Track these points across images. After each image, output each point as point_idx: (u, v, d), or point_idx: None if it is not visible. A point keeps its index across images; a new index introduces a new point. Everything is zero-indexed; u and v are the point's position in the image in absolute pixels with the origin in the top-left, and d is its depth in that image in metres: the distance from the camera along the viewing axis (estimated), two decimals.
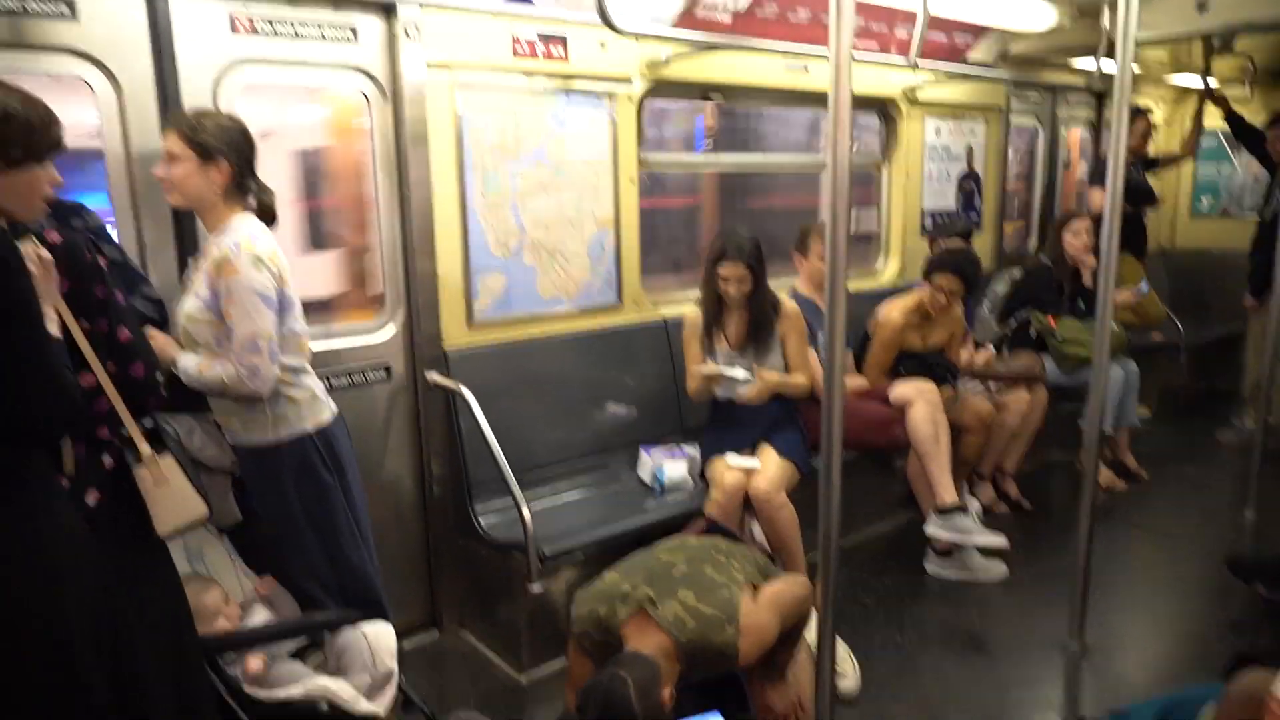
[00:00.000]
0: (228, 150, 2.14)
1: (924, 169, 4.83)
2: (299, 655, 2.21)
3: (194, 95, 2.49)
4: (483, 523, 3.02)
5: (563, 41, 3.21)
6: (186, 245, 2.53)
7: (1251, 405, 5.09)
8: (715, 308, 3.21)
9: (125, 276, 2.15)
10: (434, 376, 3.03)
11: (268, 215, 2.27)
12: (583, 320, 3.47)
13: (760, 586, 2.31)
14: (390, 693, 2.21)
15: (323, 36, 2.72)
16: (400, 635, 2.38)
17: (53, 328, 1.61)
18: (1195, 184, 6.80)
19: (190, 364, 2.15)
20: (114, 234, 2.33)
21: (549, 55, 3.18)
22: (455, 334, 3.12)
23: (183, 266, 2.52)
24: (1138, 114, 5.08)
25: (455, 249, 3.08)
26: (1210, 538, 3.87)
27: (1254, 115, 5.52)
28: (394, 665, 2.25)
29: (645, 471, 3.37)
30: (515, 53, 3.11)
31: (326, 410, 2.35)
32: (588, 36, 3.24)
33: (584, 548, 2.91)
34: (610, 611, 2.15)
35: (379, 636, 2.29)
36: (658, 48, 3.44)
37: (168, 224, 2.51)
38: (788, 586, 2.33)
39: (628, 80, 3.44)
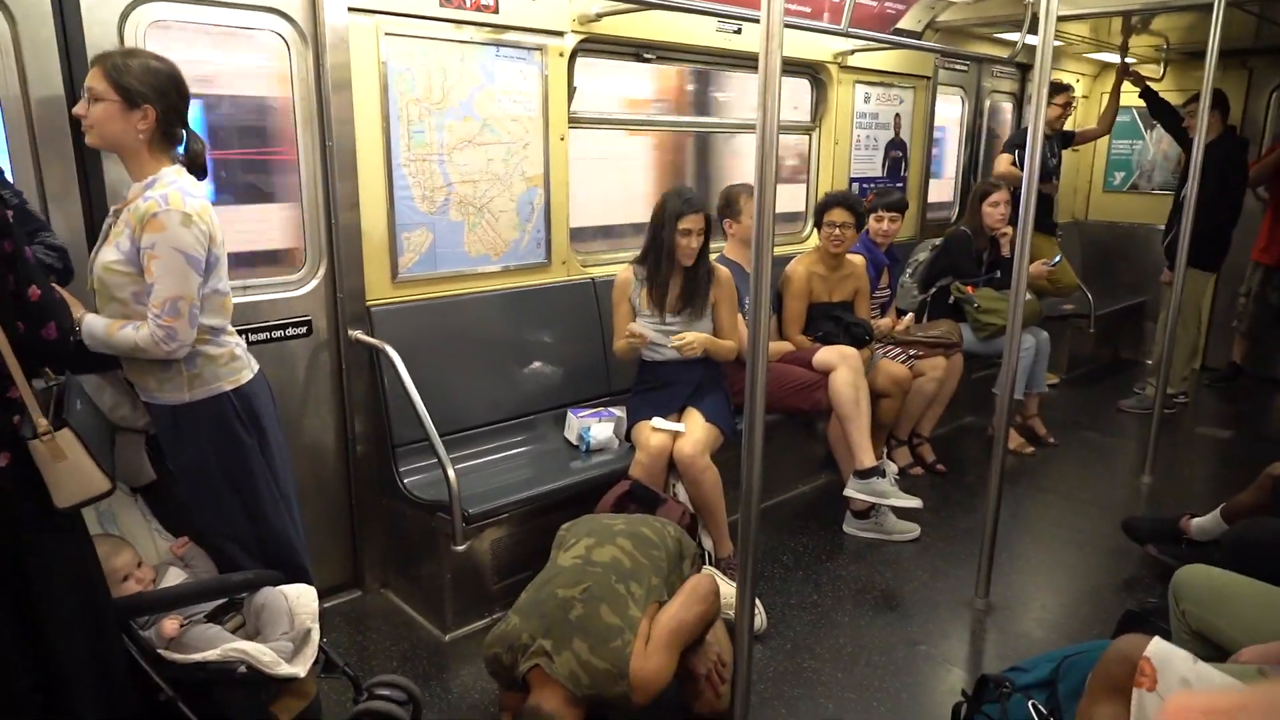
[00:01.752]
0: (154, 95, 2.02)
1: (852, 136, 4.89)
2: (216, 618, 2.16)
3: (97, 30, 2.35)
4: (406, 482, 2.99)
5: None
6: (94, 192, 2.41)
7: (1154, 375, 5.36)
8: (664, 266, 3.20)
9: (24, 222, 2.03)
10: (357, 334, 2.97)
11: (197, 167, 2.17)
12: (510, 279, 3.43)
13: (663, 607, 2.31)
14: (311, 654, 2.18)
15: None
16: (322, 595, 2.34)
17: None
18: (1109, 159, 7.05)
19: (98, 326, 2.05)
20: (9, 178, 2.20)
21: (478, 6, 3.09)
22: (379, 290, 3.06)
23: (89, 213, 2.40)
24: (1059, 89, 5.22)
25: (380, 203, 3.00)
26: (1110, 501, 4.08)
27: (1167, 93, 5.73)
28: (315, 626, 2.22)
29: (572, 432, 3.38)
30: (443, 1, 3.01)
31: (246, 369, 2.27)
32: None
33: (509, 507, 2.91)
34: (512, 659, 2.20)
35: (300, 597, 2.25)
36: (590, 2, 3.37)
37: (72, 169, 2.38)
38: (686, 611, 2.30)
39: (559, 34, 3.37)
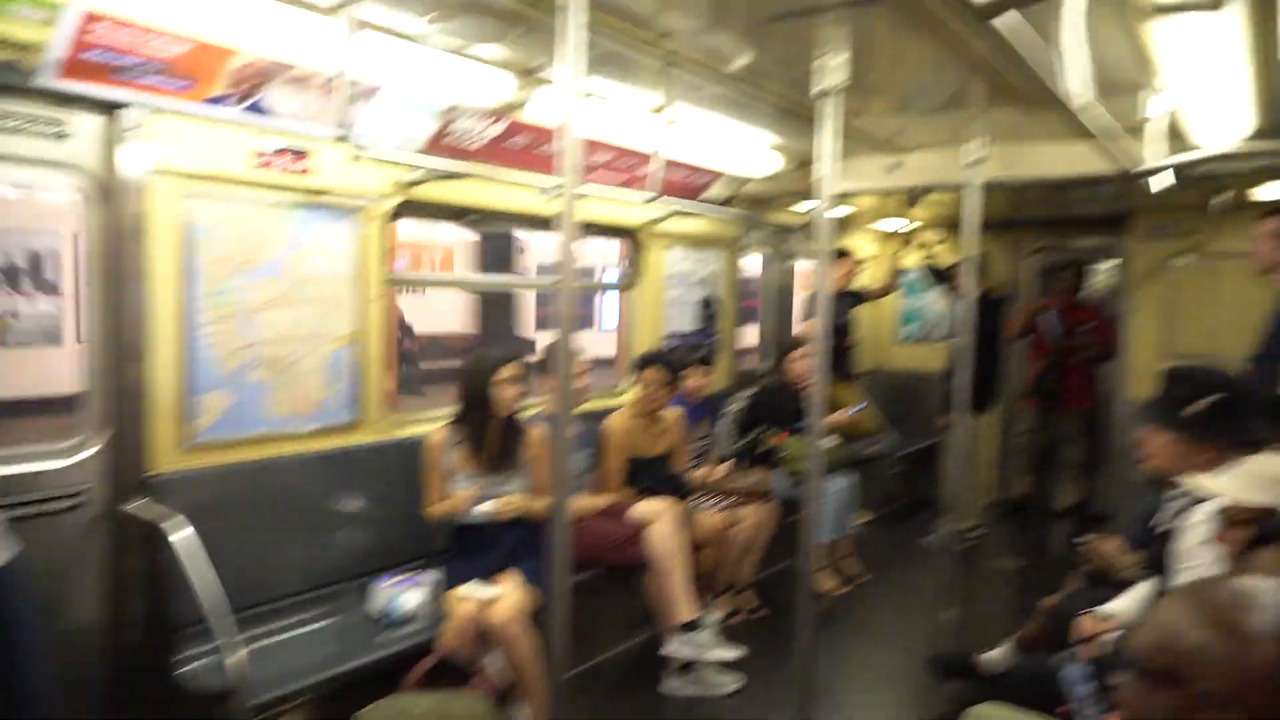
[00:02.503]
0: None
1: (665, 293, 5.15)
2: None
3: None
4: (188, 670, 2.71)
5: (306, 155, 3.15)
6: None
7: (949, 511, 5.74)
8: (483, 421, 3.18)
9: None
10: (133, 507, 2.73)
11: None
12: (318, 440, 3.30)
13: None
14: None
15: (26, 130, 2.50)
16: None
17: None
18: (902, 313, 7.76)
19: None
20: None
21: (291, 170, 3.10)
22: (168, 457, 2.86)
23: None
24: (842, 254, 5.77)
25: (172, 364, 2.85)
26: (918, 637, 4.25)
27: (948, 255, 6.44)
28: None
29: (377, 603, 3.19)
30: (255, 164, 3.01)
31: (1, 553, 2.05)
32: (334, 152, 3.19)
33: (306, 690, 2.69)
34: None
35: None
36: (405, 170, 3.46)
37: None
38: None
39: (376, 198, 3.42)
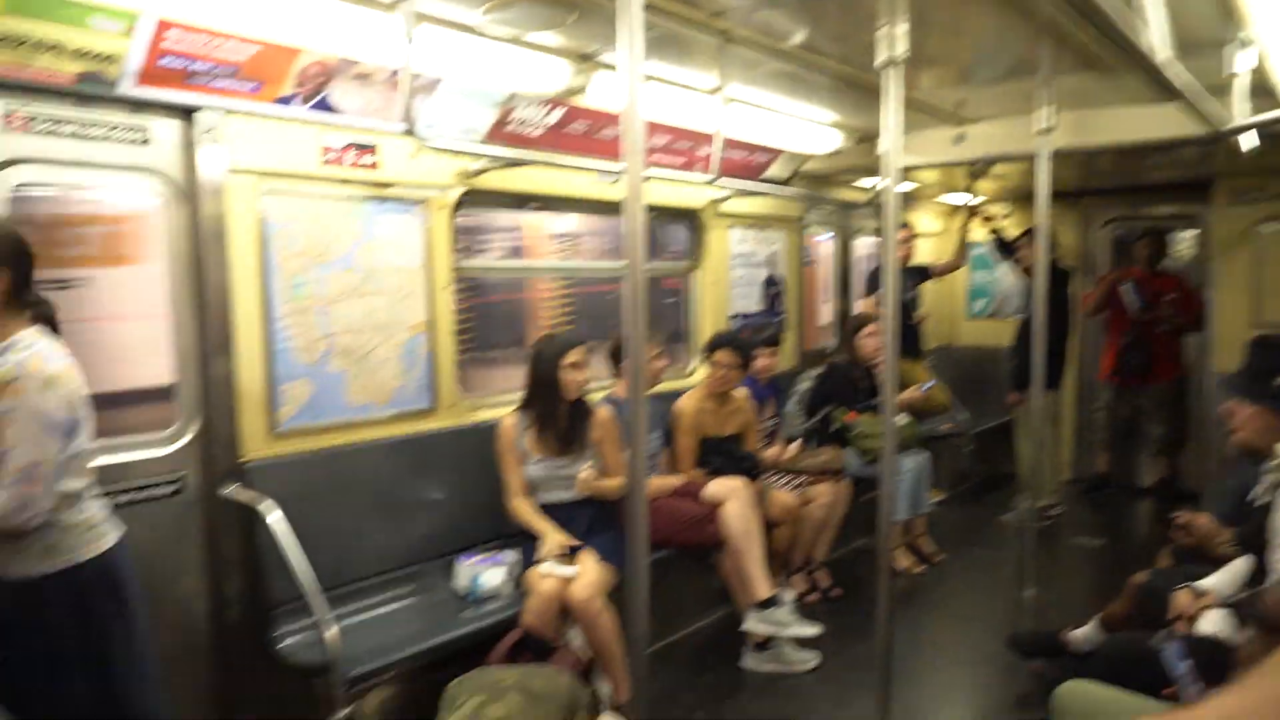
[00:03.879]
0: (5, 260, 1.99)
1: (730, 274, 5.14)
2: None
3: None
4: (288, 644, 2.82)
5: (373, 150, 3.24)
6: None
7: (1026, 489, 5.62)
8: (550, 405, 3.24)
9: None
10: (231, 490, 2.86)
11: (49, 327, 2.12)
12: (396, 426, 3.40)
13: None
14: None
15: (111, 138, 2.62)
16: None
17: None
18: (970, 288, 7.61)
19: None
20: None
21: (359, 164, 3.19)
22: (257, 444, 2.97)
23: None
24: (900, 228, 5.66)
25: (256, 356, 2.96)
26: (997, 617, 4.18)
27: (1014, 228, 6.29)
28: None
29: (461, 581, 3.28)
30: (325, 160, 3.10)
31: (107, 536, 2.16)
32: (399, 146, 3.28)
33: (395, 665, 2.77)
34: None
35: None
36: (469, 160, 3.52)
37: None
38: None
39: (441, 188, 3.49)
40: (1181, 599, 2.47)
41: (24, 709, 2.11)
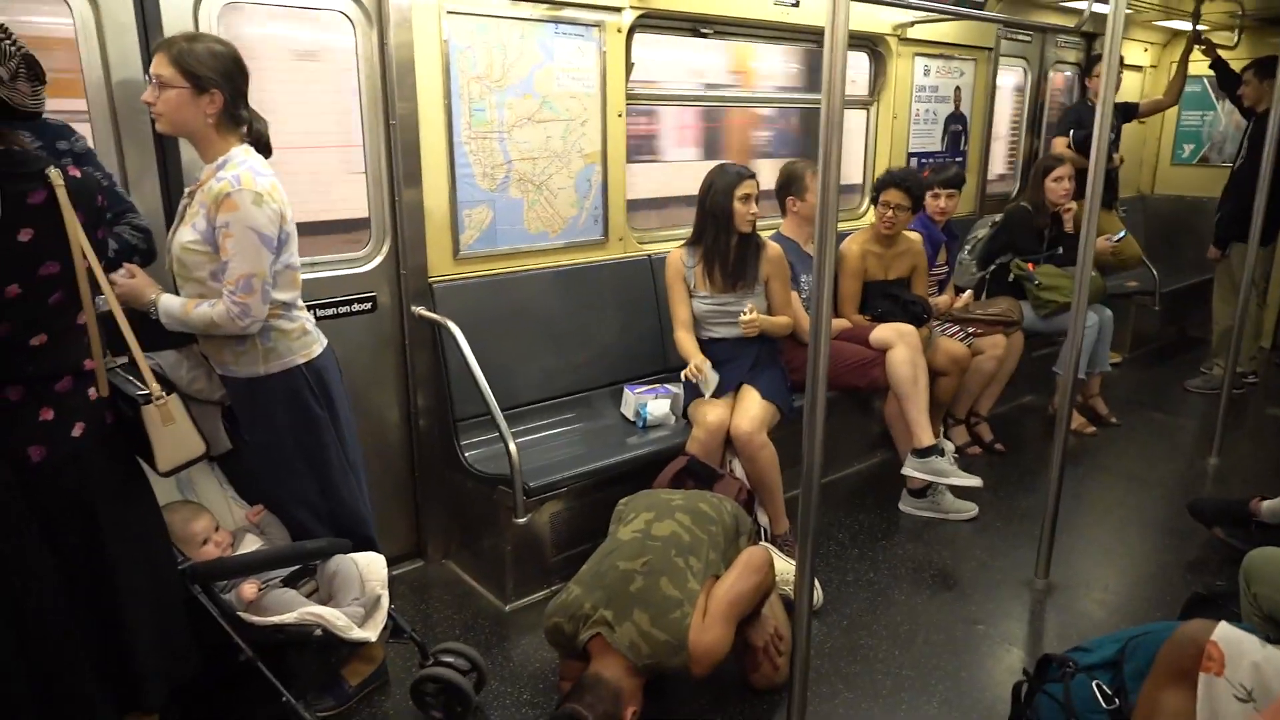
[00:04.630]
0: (220, 79, 2.06)
1: (911, 110, 4.80)
2: (291, 583, 2.24)
3: (173, 13, 2.42)
4: (468, 455, 3.05)
5: None
6: (171, 173, 2.49)
7: (1219, 354, 5.21)
8: (722, 238, 3.20)
9: (112, 204, 2.12)
10: (420, 309, 3.02)
11: (263, 146, 2.22)
12: (568, 255, 3.46)
13: (719, 580, 2.35)
14: (381, 620, 2.26)
15: None
16: (387, 565, 2.41)
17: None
18: (1178, 131, 6.82)
19: (174, 305, 2.13)
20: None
21: None
22: (441, 266, 3.11)
23: (167, 195, 2.48)
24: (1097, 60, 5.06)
25: (442, 181, 3.04)
26: (1174, 482, 4.00)
27: (1239, 63, 5.52)
28: (384, 593, 2.29)
29: (629, 409, 3.40)
30: None
31: (317, 343, 2.34)
32: None
33: (568, 481, 2.95)
34: (574, 629, 2.24)
35: (370, 565, 2.33)
36: None
37: (150, 151, 2.46)
38: (742, 583, 2.33)
39: (617, 10, 3.36)
40: None
41: (254, 494, 2.40)
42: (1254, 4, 5.62)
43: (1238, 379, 4.84)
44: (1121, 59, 5.23)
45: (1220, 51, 5.47)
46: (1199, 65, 5.65)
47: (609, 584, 2.26)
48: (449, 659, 2.42)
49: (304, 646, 2.21)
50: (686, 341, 3.26)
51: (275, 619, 2.08)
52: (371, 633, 2.18)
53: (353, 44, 2.83)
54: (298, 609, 2.10)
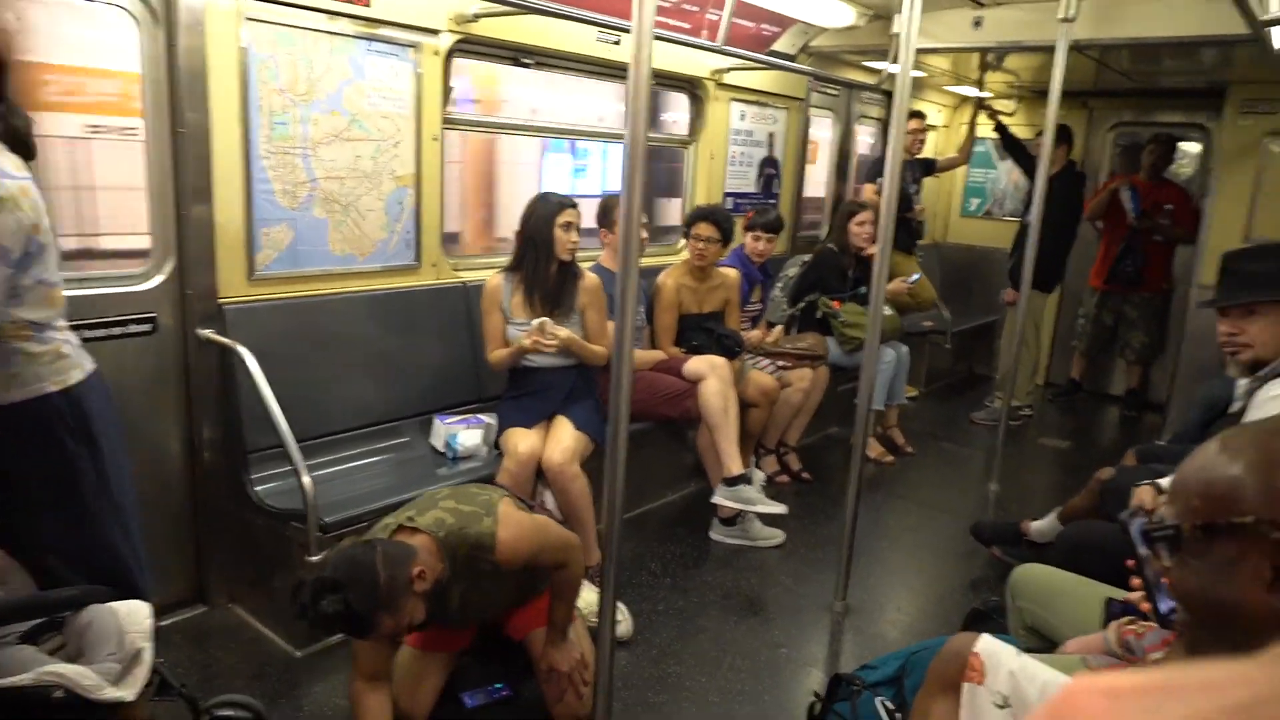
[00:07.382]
0: None
1: (728, 151, 4.99)
2: (32, 638, 1.98)
3: None
4: (259, 490, 2.84)
5: None
6: None
7: (1001, 388, 5.69)
8: (541, 265, 3.17)
9: None
10: (207, 333, 2.80)
11: (20, 144, 1.98)
12: (378, 280, 3.32)
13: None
14: (142, 676, 2.02)
15: None
16: (163, 612, 2.20)
17: None
18: (966, 186, 7.48)
19: None
20: None
21: None
22: (234, 287, 2.89)
23: None
24: (915, 116, 5.50)
25: (236, 196, 2.84)
26: (961, 507, 4.31)
27: (1017, 127, 6.14)
28: (147, 646, 2.06)
29: (439, 439, 3.29)
30: None
31: (77, 368, 2.09)
32: None
33: (368, 516, 2.79)
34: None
35: (130, 615, 2.08)
36: (466, 2, 3.32)
37: None
38: (548, 530, 2.35)
39: (434, 33, 3.30)
40: (1144, 493, 2.52)
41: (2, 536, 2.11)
42: (1028, 77, 6.29)
43: (1015, 412, 5.30)
44: (924, 117, 5.73)
45: (1001, 117, 6.05)
46: (984, 128, 6.22)
47: (414, 502, 2.23)
48: (226, 713, 2.21)
49: (46, 709, 1.95)
50: (502, 350, 3.22)
51: (6, 681, 1.82)
52: (128, 691, 1.95)
53: (136, 43, 2.61)
54: (34, 669, 1.85)
